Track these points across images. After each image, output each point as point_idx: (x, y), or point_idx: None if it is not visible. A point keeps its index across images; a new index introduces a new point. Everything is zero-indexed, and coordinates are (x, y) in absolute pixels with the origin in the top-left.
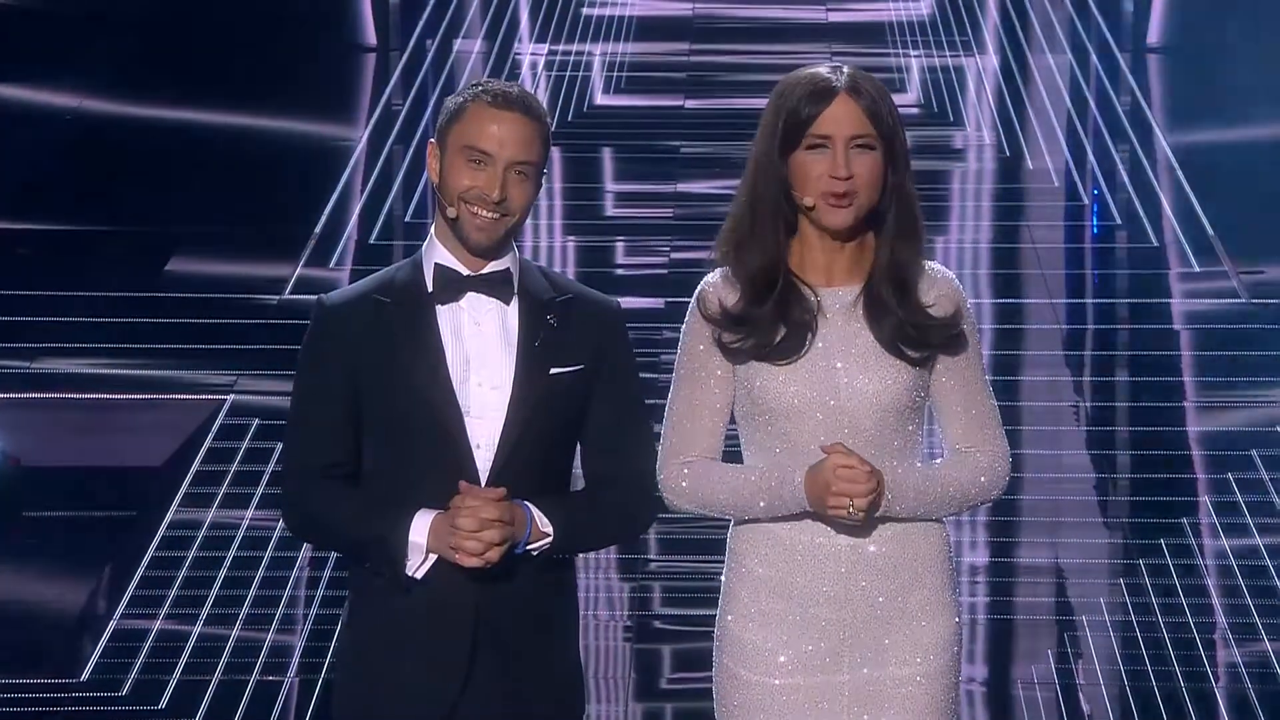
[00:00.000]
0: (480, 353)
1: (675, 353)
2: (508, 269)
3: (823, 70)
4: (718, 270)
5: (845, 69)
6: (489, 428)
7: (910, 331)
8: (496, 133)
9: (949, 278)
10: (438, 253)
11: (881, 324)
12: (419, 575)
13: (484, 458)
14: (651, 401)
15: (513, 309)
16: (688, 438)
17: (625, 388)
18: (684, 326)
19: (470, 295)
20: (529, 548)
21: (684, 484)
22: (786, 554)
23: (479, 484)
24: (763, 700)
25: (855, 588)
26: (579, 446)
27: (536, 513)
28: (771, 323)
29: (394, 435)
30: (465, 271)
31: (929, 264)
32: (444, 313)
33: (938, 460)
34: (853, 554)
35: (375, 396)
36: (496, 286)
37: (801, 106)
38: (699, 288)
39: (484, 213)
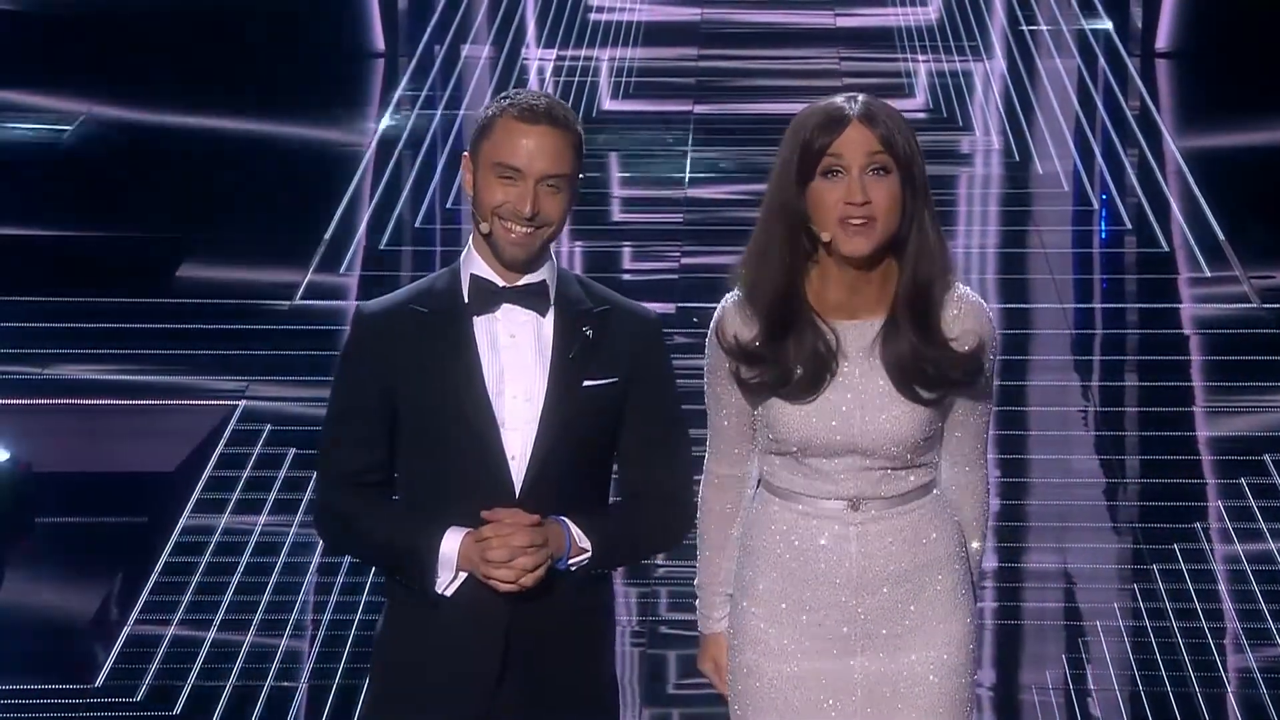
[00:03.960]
0: (514, 364)
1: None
2: (544, 280)
3: (837, 100)
4: (733, 295)
5: (860, 98)
6: (522, 440)
7: (927, 370)
8: (525, 147)
9: (978, 308)
10: (475, 264)
11: (897, 365)
12: (448, 593)
13: (518, 469)
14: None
15: (548, 320)
16: (720, 457)
17: (661, 401)
18: (706, 353)
19: (506, 306)
20: (569, 563)
21: (706, 496)
22: (805, 541)
23: (513, 494)
24: (774, 693)
25: (870, 578)
26: (615, 457)
27: (574, 529)
28: (789, 361)
29: (429, 446)
30: (501, 283)
31: (959, 288)
32: (480, 324)
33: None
34: (863, 545)
35: (411, 407)
36: (532, 298)
37: (815, 136)
38: (716, 315)
39: (518, 228)
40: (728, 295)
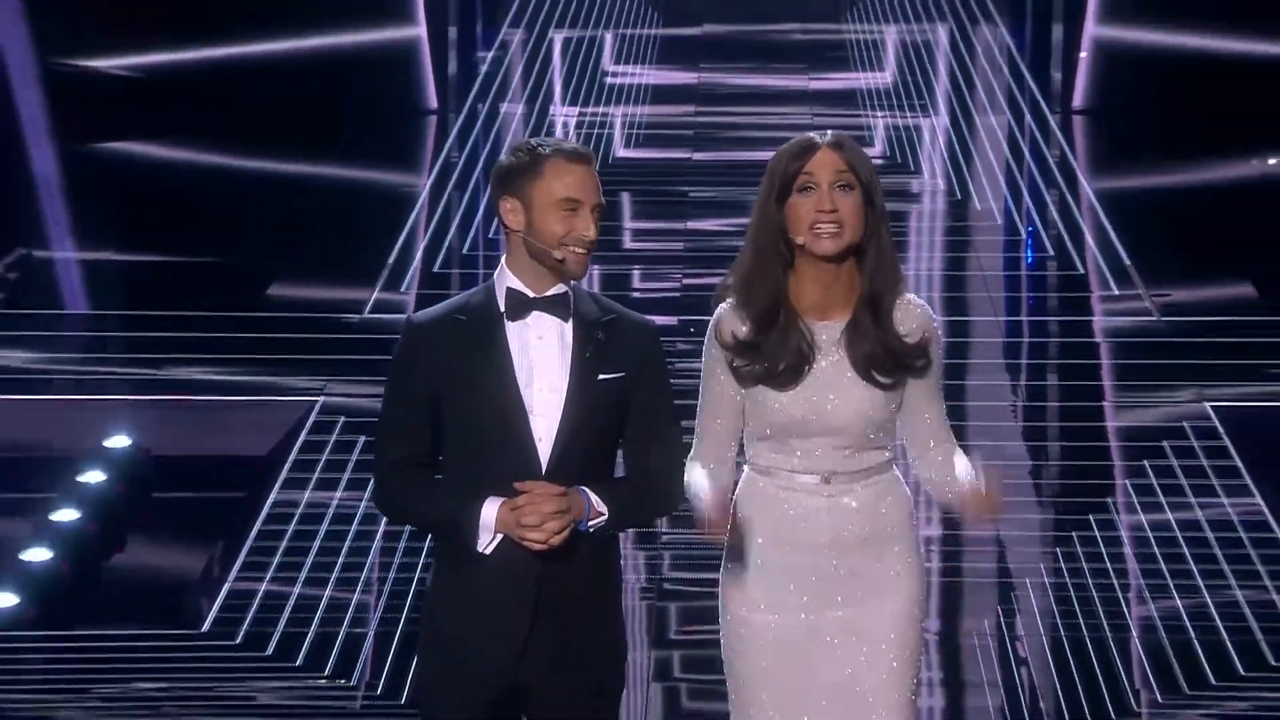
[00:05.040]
0: (542, 362)
1: (689, 362)
2: (566, 293)
3: (809, 134)
4: (727, 302)
5: (829, 131)
6: (548, 424)
7: (884, 359)
8: (579, 183)
9: (922, 310)
10: (509, 279)
11: (860, 356)
12: (488, 551)
13: (544, 449)
14: (677, 402)
15: (569, 326)
16: (711, 442)
17: (659, 395)
18: (704, 348)
19: (535, 314)
20: (589, 524)
21: (690, 476)
22: (785, 510)
23: (540, 469)
24: (760, 642)
25: (840, 541)
26: (621, 441)
27: (593, 496)
28: (775, 354)
29: (470, 431)
30: (532, 294)
31: (907, 295)
32: (513, 329)
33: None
34: (827, 513)
35: (454, 399)
36: (556, 307)
37: (791, 162)
38: (714, 318)
39: (581, 250)
40: (721, 305)
